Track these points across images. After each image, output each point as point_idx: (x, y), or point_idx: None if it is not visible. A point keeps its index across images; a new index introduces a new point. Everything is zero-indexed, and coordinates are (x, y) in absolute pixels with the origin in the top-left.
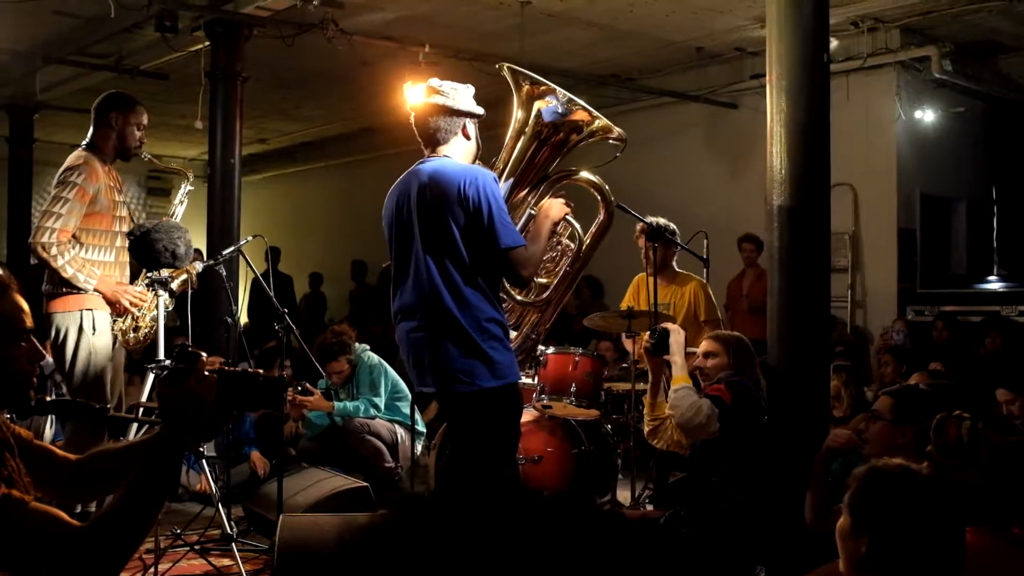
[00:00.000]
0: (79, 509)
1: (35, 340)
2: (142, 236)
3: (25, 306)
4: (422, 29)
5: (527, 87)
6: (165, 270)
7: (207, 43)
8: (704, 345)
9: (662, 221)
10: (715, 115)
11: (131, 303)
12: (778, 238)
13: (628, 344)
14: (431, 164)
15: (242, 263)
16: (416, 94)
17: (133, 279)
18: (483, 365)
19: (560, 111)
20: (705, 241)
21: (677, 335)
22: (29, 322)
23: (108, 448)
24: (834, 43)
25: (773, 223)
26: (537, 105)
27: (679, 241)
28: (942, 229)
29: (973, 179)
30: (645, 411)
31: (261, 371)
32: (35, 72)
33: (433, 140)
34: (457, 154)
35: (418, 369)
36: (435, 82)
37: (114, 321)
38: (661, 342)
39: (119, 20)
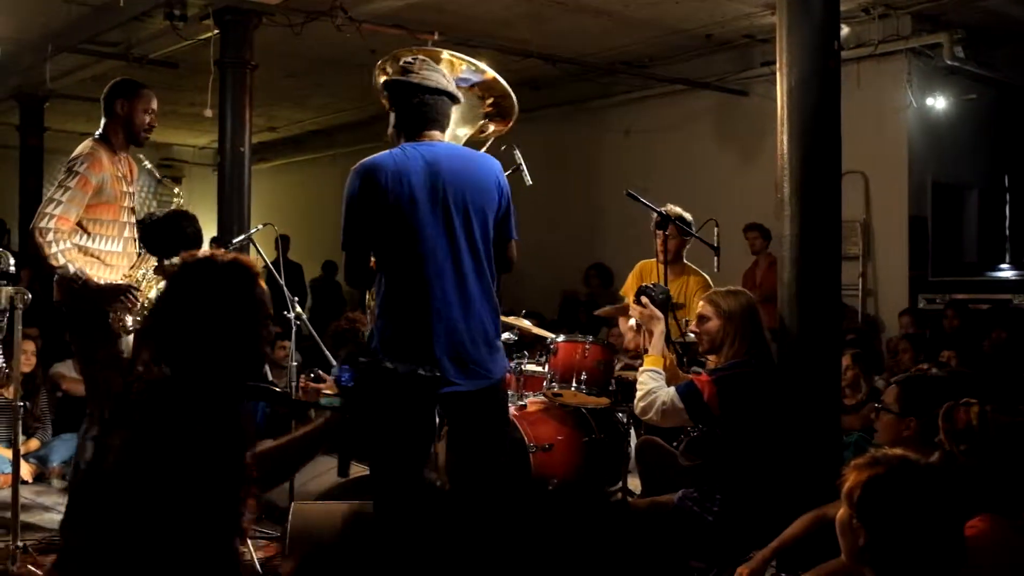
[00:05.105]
0: None
1: (271, 323)
2: (152, 223)
3: (268, 292)
4: (431, 16)
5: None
6: (175, 258)
7: (216, 31)
8: (699, 307)
9: (677, 210)
10: (725, 103)
11: (130, 301)
12: (789, 226)
13: (629, 332)
14: (452, 148)
15: (252, 251)
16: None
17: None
18: (501, 355)
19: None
20: (716, 229)
21: (661, 324)
22: (271, 308)
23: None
24: (845, 30)
25: (784, 211)
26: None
27: (692, 230)
28: (954, 217)
29: (985, 167)
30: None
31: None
32: (45, 61)
33: (440, 123)
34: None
35: (455, 365)
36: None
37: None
38: (656, 297)
39: (128, 8)
